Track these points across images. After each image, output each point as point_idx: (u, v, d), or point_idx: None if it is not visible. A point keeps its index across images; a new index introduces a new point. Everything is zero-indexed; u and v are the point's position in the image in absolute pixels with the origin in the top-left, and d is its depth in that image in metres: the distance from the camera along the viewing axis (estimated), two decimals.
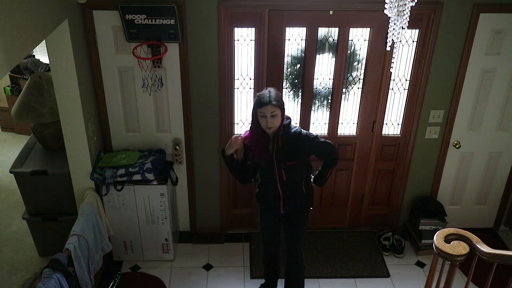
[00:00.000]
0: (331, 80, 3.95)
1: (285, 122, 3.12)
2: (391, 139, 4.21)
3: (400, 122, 4.15)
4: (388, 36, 2.05)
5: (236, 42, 3.77)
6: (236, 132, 4.12)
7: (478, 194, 4.46)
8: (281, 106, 3.04)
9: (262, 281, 3.88)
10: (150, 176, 3.73)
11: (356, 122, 4.14)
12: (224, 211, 4.41)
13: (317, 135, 3.24)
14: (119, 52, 3.70)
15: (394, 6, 1.94)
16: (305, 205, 3.37)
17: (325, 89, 4.01)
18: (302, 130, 3.18)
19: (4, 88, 6.34)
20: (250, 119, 4.02)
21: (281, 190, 3.24)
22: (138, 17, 3.48)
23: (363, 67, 3.90)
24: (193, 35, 3.66)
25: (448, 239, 2.69)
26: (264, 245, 3.67)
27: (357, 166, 4.30)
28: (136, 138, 4.06)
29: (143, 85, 3.72)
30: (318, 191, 4.29)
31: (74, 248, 3.20)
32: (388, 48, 2.19)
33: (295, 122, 4.09)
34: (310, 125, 4.11)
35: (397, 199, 4.43)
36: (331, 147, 3.29)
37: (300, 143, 3.13)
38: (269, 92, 3.06)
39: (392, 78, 3.95)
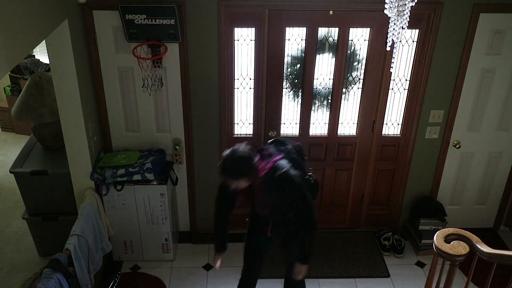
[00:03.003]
0: (331, 80, 3.95)
1: (269, 165, 2.73)
2: (391, 139, 4.21)
3: (400, 122, 4.15)
4: (388, 36, 2.05)
5: (236, 42, 3.77)
6: (236, 132, 4.12)
7: (478, 194, 4.46)
8: (243, 176, 2.66)
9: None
10: (150, 176, 3.73)
11: (356, 122, 4.14)
12: None
13: (303, 194, 2.78)
14: (119, 52, 3.70)
15: (394, 6, 1.94)
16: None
17: (325, 89, 4.00)
18: (291, 174, 2.74)
19: (4, 88, 6.34)
20: (250, 120, 4.07)
21: (270, 220, 3.10)
22: (138, 17, 3.48)
23: (363, 67, 3.90)
24: (193, 35, 3.66)
25: (448, 239, 2.69)
26: (242, 269, 3.34)
27: (357, 166, 4.30)
28: (136, 138, 4.06)
29: (143, 85, 3.72)
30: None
31: (74, 248, 3.20)
32: (388, 48, 2.18)
33: (295, 122, 4.10)
34: (310, 125, 4.11)
35: (397, 199, 4.43)
36: (306, 217, 2.85)
37: (281, 189, 2.78)
38: (229, 160, 2.64)
39: (392, 78, 3.95)
